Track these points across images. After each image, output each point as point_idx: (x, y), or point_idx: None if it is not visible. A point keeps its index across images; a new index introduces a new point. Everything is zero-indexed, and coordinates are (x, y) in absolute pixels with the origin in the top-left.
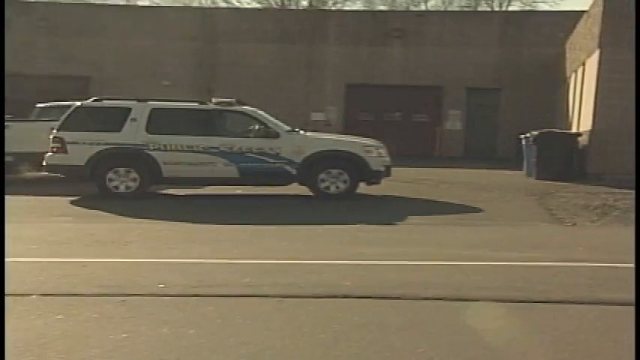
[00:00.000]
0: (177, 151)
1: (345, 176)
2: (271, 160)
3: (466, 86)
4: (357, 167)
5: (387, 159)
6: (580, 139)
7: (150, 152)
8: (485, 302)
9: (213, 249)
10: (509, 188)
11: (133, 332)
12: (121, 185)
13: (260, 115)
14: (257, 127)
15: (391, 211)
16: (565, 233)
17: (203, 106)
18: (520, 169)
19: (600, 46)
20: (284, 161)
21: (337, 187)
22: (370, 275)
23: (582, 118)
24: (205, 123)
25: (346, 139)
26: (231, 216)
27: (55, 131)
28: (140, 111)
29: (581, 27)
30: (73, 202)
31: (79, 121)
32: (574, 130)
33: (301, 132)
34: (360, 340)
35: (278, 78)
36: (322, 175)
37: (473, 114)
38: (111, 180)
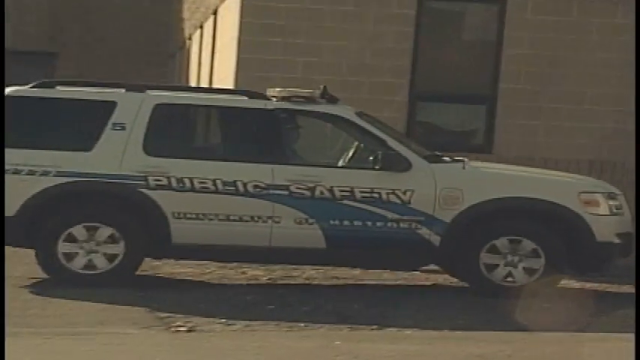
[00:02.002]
0: (203, 191)
1: (540, 255)
2: (392, 216)
3: None
4: (565, 236)
5: (629, 219)
6: None
7: (148, 193)
8: None
9: None
10: None
11: None
12: (87, 259)
13: (369, 124)
14: (364, 147)
15: None
16: (173, 348)
17: (257, 103)
18: None
19: None
20: (418, 218)
21: (515, 276)
22: None
23: None
24: (260, 137)
25: (544, 176)
26: None
27: None
28: (132, 110)
29: None
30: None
31: (7, 126)
32: None
33: (454, 160)
34: None
35: None
36: (491, 248)
37: None
38: (67, 247)
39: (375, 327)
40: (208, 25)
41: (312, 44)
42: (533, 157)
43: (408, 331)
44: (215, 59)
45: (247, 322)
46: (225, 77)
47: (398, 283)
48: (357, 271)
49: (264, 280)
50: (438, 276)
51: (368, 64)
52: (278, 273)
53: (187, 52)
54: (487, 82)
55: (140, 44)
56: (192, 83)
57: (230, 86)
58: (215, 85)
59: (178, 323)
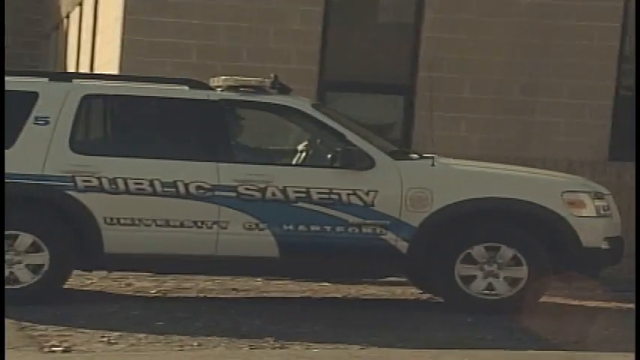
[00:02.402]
0: (139, 193)
1: (521, 263)
2: (353, 220)
3: None
4: (549, 241)
5: (618, 222)
6: None
7: (76, 195)
8: None
9: None
10: None
11: None
12: (8, 272)
13: (327, 116)
14: (322, 142)
15: None
16: None
17: (199, 94)
18: None
19: None
20: (382, 222)
21: (496, 287)
22: None
23: None
24: (204, 132)
25: (521, 174)
26: None
27: None
28: (57, 101)
29: None
30: None
31: None
32: None
33: (422, 156)
34: None
35: None
36: (467, 256)
37: None
38: None
39: (278, 345)
40: (88, 3)
41: (207, 25)
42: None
43: (316, 350)
44: (97, 41)
45: (132, 341)
46: (108, 62)
47: (305, 295)
48: (258, 282)
49: (152, 292)
50: (350, 287)
51: (271, 48)
52: (169, 285)
53: (65, 32)
54: (405, 70)
55: (7, 22)
56: (71, 68)
57: (114, 72)
58: (97, 71)
59: (53, 342)
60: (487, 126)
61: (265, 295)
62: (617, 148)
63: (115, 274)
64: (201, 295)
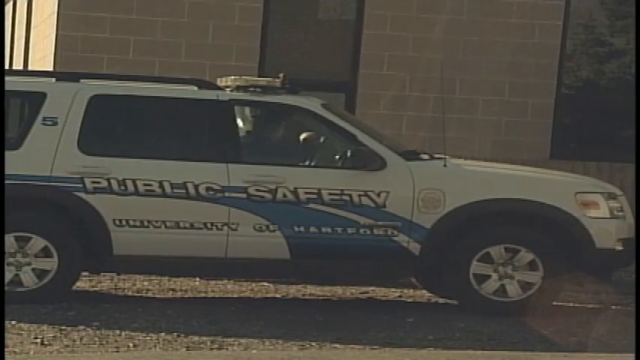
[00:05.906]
0: (148, 195)
1: (538, 268)
2: (364, 221)
3: None
4: (563, 243)
5: (632, 223)
6: None
7: (85, 197)
8: None
9: None
10: None
11: None
12: (17, 274)
13: (338, 117)
14: (333, 143)
15: None
16: None
17: (208, 94)
18: None
19: None
20: (394, 223)
21: (509, 289)
22: None
23: None
24: (213, 132)
25: (534, 175)
26: None
27: None
28: (65, 102)
29: None
30: None
31: None
32: None
33: (433, 157)
34: None
35: None
36: (480, 258)
37: None
38: None
39: (215, 346)
40: None
41: (144, 20)
42: None
43: (254, 351)
44: (31, 36)
45: (67, 342)
46: (43, 57)
47: (244, 295)
48: (196, 283)
49: (88, 292)
50: (289, 287)
51: (211, 44)
52: (105, 284)
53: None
54: (346, 67)
55: None
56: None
57: (49, 68)
58: (32, 67)
59: None
60: (430, 124)
61: (204, 295)
62: (558, 146)
63: None
64: (139, 294)
